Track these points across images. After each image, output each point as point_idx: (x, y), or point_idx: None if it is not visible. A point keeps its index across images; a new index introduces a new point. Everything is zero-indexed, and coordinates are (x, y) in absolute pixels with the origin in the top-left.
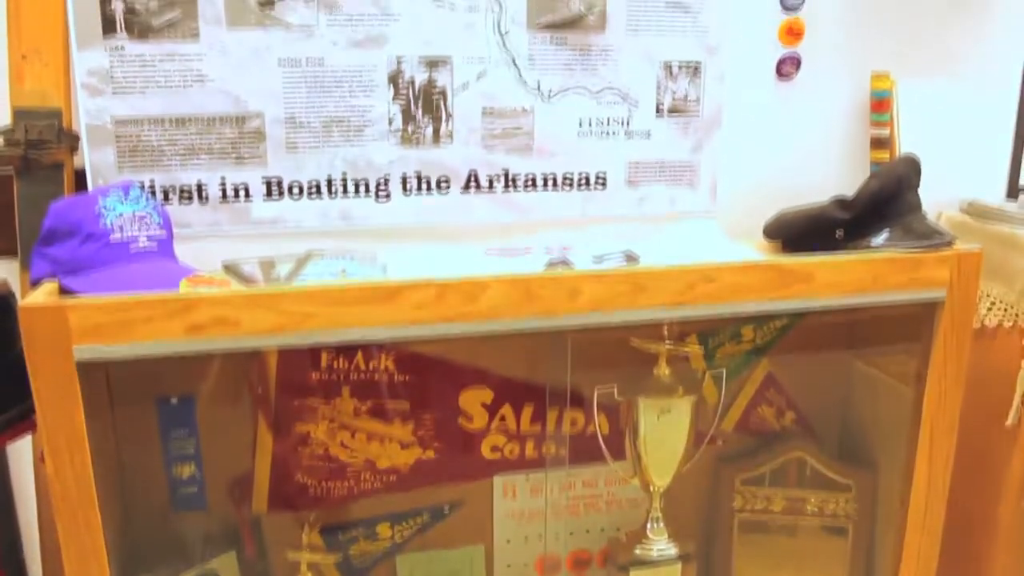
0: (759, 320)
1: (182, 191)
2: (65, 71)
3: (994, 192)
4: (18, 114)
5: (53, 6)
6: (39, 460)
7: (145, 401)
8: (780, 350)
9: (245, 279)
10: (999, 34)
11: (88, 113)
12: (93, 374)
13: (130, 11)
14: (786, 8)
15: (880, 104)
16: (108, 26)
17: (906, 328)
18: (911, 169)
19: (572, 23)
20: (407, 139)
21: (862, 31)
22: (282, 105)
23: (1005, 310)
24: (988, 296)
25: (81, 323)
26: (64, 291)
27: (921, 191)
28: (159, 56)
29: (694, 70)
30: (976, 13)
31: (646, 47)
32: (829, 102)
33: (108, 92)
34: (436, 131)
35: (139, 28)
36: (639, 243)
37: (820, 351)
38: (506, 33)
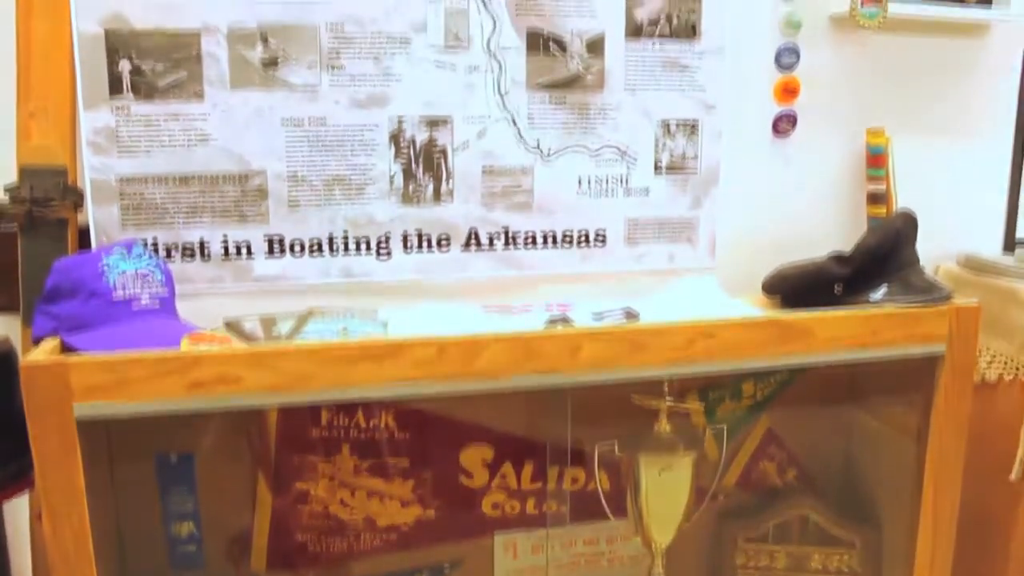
0: (759, 375)
1: (184, 248)
2: (71, 129)
3: (991, 245)
4: (24, 172)
5: (61, 66)
6: (35, 519)
7: (144, 458)
8: (780, 405)
9: (246, 337)
10: (990, 89)
11: (93, 170)
12: (93, 431)
13: (136, 72)
14: (781, 67)
15: (875, 160)
16: (115, 86)
17: (907, 379)
18: (907, 224)
19: (571, 82)
20: (408, 197)
21: (856, 88)
22: (284, 164)
23: (1005, 363)
24: (988, 350)
25: (82, 381)
26: (66, 348)
27: (918, 245)
28: (164, 116)
29: (691, 128)
30: (968, 69)
31: (644, 106)
32: (825, 158)
33: (113, 150)
34: (437, 189)
35: (145, 88)
36: (639, 299)
37: (821, 405)
38: (506, 93)
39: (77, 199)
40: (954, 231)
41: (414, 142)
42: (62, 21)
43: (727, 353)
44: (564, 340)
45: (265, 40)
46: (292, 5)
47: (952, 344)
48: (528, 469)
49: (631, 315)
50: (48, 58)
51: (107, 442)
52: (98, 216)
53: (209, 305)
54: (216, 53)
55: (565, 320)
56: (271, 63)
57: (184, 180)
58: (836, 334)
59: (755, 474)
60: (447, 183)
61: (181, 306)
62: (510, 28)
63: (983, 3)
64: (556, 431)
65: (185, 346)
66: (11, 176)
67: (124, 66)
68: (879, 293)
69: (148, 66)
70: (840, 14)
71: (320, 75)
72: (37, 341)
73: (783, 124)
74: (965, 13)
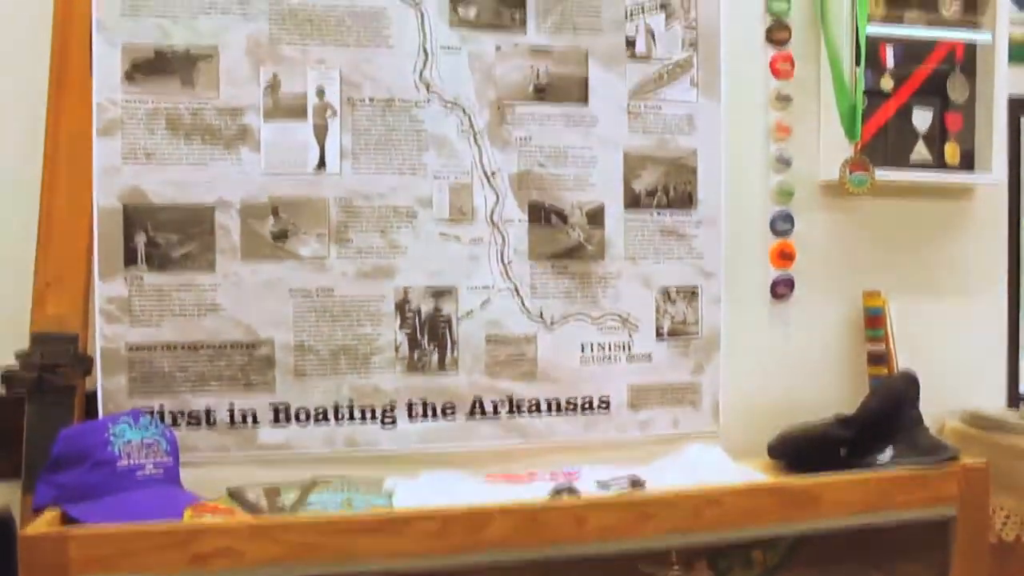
0: (768, 541)
1: (191, 416)
2: (85, 297)
3: (995, 400)
4: (35, 339)
5: (80, 238)
6: None
7: None
8: (792, 569)
9: (250, 507)
10: (980, 247)
11: (104, 339)
12: None
13: (151, 244)
14: (776, 233)
15: (873, 321)
16: (130, 257)
17: (921, 538)
18: (909, 384)
19: (572, 252)
20: (413, 366)
21: (850, 251)
22: (292, 333)
23: (1022, 523)
24: (1002, 509)
25: (82, 553)
26: (67, 519)
27: (921, 403)
28: (175, 286)
29: (691, 294)
30: (956, 229)
31: (644, 273)
32: (824, 320)
33: (125, 319)
34: (442, 358)
35: (159, 260)
36: (644, 466)
37: (833, 567)
38: (509, 263)
39: (86, 365)
40: (956, 388)
41: (419, 312)
42: (83, 195)
43: (735, 521)
44: (569, 511)
45: (276, 213)
46: (303, 181)
47: (963, 505)
48: None
49: (637, 483)
50: (68, 230)
51: None
52: (107, 384)
53: (213, 473)
54: (228, 225)
55: (571, 489)
56: (281, 235)
57: (192, 348)
58: (844, 498)
59: None
60: (452, 352)
61: (185, 474)
62: (512, 201)
63: (966, 167)
64: None
65: (188, 518)
66: (23, 342)
67: (140, 238)
68: (885, 455)
69: (163, 238)
70: (830, 181)
71: (328, 247)
72: (38, 510)
73: (781, 288)
74: (949, 177)
